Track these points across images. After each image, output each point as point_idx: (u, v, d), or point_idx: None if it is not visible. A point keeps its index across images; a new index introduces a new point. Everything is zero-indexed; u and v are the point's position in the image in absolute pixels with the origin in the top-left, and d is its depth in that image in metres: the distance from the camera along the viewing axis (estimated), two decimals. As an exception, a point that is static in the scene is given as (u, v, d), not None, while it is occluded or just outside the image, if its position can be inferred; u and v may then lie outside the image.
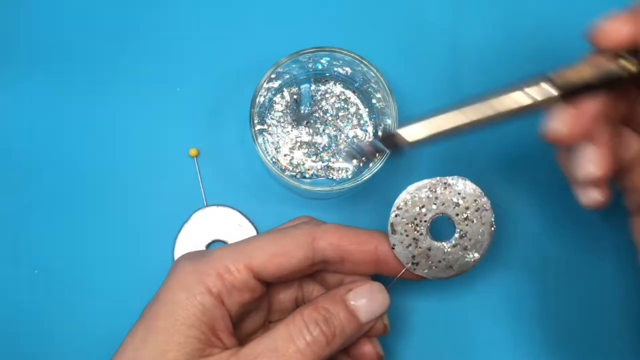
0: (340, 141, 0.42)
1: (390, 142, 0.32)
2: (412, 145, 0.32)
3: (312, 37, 0.43)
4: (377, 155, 0.36)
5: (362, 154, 0.37)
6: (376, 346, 0.36)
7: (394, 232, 0.36)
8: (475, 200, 0.36)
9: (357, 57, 0.39)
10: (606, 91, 0.29)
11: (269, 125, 0.41)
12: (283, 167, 0.41)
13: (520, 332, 0.43)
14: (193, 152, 0.44)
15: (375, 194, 0.44)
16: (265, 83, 0.39)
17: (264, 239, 0.34)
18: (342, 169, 0.41)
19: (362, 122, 0.42)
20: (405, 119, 0.44)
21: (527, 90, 0.28)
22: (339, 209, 0.44)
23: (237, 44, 0.46)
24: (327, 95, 0.42)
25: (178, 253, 0.43)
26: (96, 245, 0.43)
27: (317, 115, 0.42)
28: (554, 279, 0.44)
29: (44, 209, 0.44)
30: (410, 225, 0.36)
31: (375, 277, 0.37)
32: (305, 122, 0.41)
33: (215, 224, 0.43)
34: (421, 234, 0.36)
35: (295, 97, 0.42)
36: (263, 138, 0.41)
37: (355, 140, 0.35)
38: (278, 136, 0.41)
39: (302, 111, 0.42)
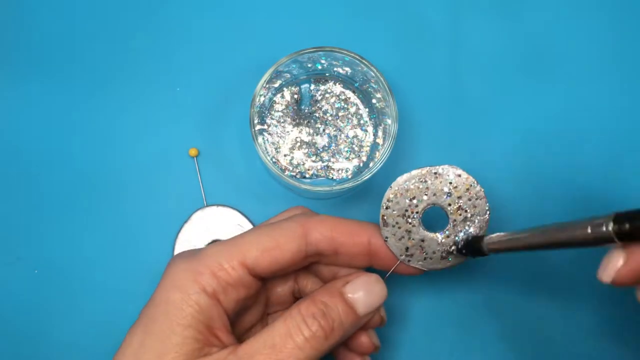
0: (340, 141, 0.42)
1: (473, 246, 0.34)
2: (493, 249, 0.33)
3: (312, 37, 0.43)
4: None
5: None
6: (373, 337, 0.36)
7: (385, 224, 0.35)
8: (468, 189, 0.35)
9: (357, 57, 0.39)
10: None
11: (269, 125, 0.41)
12: (283, 167, 0.41)
13: (517, 325, 0.43)
14: (193, 152, 0.44)
15: (375, 194, 0.44)
16: (265, 83, 0.39)
17: (256, 233, 0.34)
18: (342, 169, 0.41)
19: (362, 122, 0.42)
20: (405, 119, 0.44)
21: (593, 226, 0.27)
22: (339, 209, 0.44)
23: (237, 44, 0.46)
24: (327, 95, 0.42)
25: (178, 253, 0.43)
26: (96, 245, 0.43)
27: (317, 115, 0.42)
28: (555, 271, 0.44)
29: (44, 209, 0.44)
30: (401, 217, 0.35)
31: (369, 270, 0.36)
32: (305, 121, 0.41)
33: (215, 224, 0.43)
34: (413, 226, 0.35)
35: (295, 96, 0.41)
36: (263, 138, 0.41)
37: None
38: (278, 136, 0.41)
39: (303, 110, 0.42)
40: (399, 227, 0.35)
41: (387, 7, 0.46)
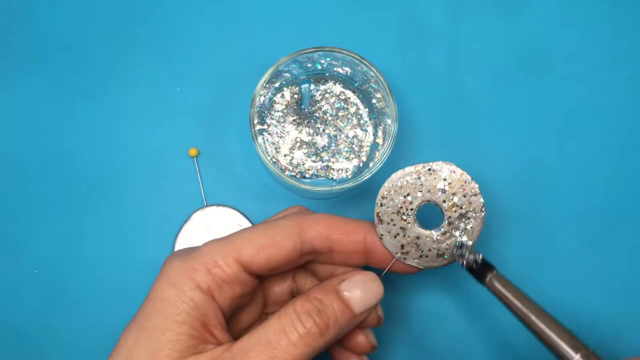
0: (340, 141, 0.42)
1: (480, 269, 0.34)
2: (490, 287, 0.34)
3: (312, 37, 0.43)
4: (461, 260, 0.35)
5: (467, 253, 0.36)
6: (370, 336, 0.36)
7: (380, 221, 0.35)
8: (463, 186, 0.35)
9: (357, 57, 0.39)
10: None
11: (269, 125, 0.41)
12: (283, 167, 0.41)
13: (516, 324, 0.43)
14: (193, 152, 0.44)
15: (375, 194, 0.43)
16: (265, 83, 0.39)
17: (252, 231, 0.34)
18: (342, 169, 0.41)
19: (362, 122, 0.42)
20: (405, 119, 0.44)
21: (584, 356, 0.31)
22: (339, 209, 0.44)
23: (237, 44, 0.46)
24: (327, 95, 0.42)
25: (178, 253, 0.43)
26: (96, 245, 0.43)
27: (317, 115, 0.42)
28: (553, 269, 0.44)
29: (44, 209, 0.44)
30: (396, 215, 0.35)
31: (368, 270, 0.36)
32: (305, 121, 0.41)
33: (215, 224, 0.43)
34: (408, 223, 0.35)
35: (296, 96, 0.41)
36: (263, 138, 0.41)
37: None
38: (278, 136, 0.41)
39: (304, 110, 0.42)
40: (394, 225, 0.35)
41: (387, 7, 0.46)
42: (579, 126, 0.45)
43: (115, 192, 0.44)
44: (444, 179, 0.35)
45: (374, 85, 0.41)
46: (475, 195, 0.35)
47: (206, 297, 0.32)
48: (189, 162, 0.44)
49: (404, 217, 0.35)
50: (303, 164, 0.41)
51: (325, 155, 0.41)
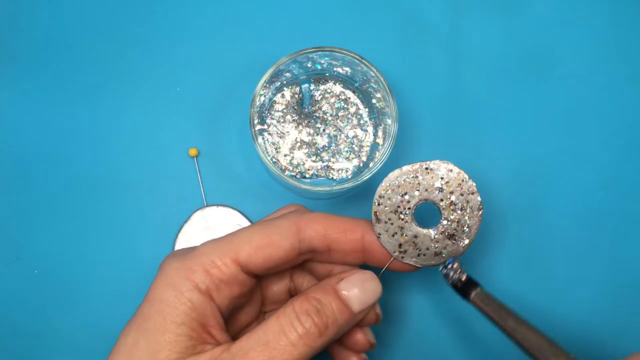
0: (340, 141, 0.42)
1: (464, 287, 0.35)
2: (475, 305, 0.35)
3: (312, 37, 0.43)
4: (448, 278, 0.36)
5: (450, 272, 0.36)
6: (368, 335, 0.36)
7: (378, 220, 0.35)
8: (460, 185, 0.35)
9: (357, 57, 0.39)
10: None
11: (269, 125, 0.41)
12: (283, 167, 0.41)
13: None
14: (193, 152, 0.44)
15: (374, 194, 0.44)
16: (265, 83, 0.39)
17: (249, 230, 0.34)
18: (342, 169, 0.41)
19: (362, 122, 0.42)
20: (405, 119, 0.44)
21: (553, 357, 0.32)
22: (338, 209, 0.44)
23: (237, 44, 0.46)
24: (327, 95, 0.42)
25: (178, 253, 0.43)
26: (96, 245, 0.43)
27: (317, 115, 0.42)
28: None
29: (44, 209, 0.44)
30: (394, 213, 0.35)
31: (365, 269, 0.36)
32: (305, 121, 0.41)
33: (215, 224, 0.43)
34: (406, 222, 0.35)
35: (297, 96, 0.41)
36: (263, 138, 0.41)
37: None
38: (278, 136, 0.41)
39: (305, 110, 0.42)
40: (392, 223, 0.35)
41: (387, 7, 0.46)
42: (579, 126, 0.45)
43: (115, 192, 0.44)
44: (442, 178, 0.35)
45: (374, 85, 0.41)
46: (472, 193, 0.35)
47: (204, 297, 0.32)
48: (189, 162, 0.44)
49: (402, 216, 0.35)
50: (303, 164, 0.41)
51: (325, 155, 0.41)
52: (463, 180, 0.35)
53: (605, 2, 0.47)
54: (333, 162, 0.41)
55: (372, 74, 0.39)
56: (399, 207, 0.35)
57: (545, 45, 0.46)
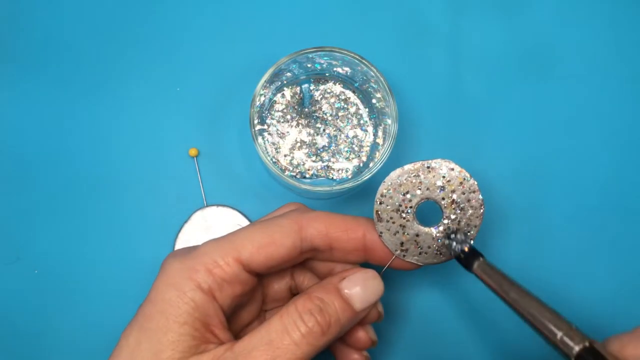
0: (340, 141, 0.42)
1: (468, 258, 0.34)
2: (478, 275, 0.34)
3: (312, 37, 0.43)
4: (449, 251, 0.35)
5: (453, 242, 0.35)
6: (369, 332, 0.36)
7: (379, 219, 0.35)
8: (461, 183, 0.35)
9: (357, 57, 0.39)
10: None
11: (269, 125, 0.41)
12: (283, 167, 0.41)
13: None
14: (193, 152, 0.44)
15: (375, 194, 0.44)
16: (265, 83, 0.39)
17: (251, 229, 0.34)
18: (342, 169, 0.41)
19: (362, 122, 0.42)
20: (405, 119, 0.44)
21: (562, 338, 0.31)
22: (339, 209, 0.44)
23: (237, 44, 0.46)
24: (327, 95, 0.42)
25: (178, 253, 0.43)
26: (96, 245, 0.43)
27: (317, 115, 0.42)
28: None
29: (44, 209, 0.44)
30: (395, 212, 0.35)
31: (365, 266, 0.36)
32: (306, 121, 0.41)
33: (215, 224, 0.43)
34: (408, 221, 0.35)
35: (297, 96, 0.41)
36: (263, 138, 0.41)
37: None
38: (278, 136, 0.41)
39: (305, 110, 0.42)
40: (393, 222, 0.35)
41: (387, 7, 0.46)
42: (579, 126, 0.45)
43: (116, 192, 0.44)
44: (443, 177, 0.35)
45: (374, 85, 0.41)
46: (474, 192, 0.35)
47: (207, 297, 0.32)
48: (189, 162, 0.44)
49: (403, 215, 0.35)
50: (303, 164, 0.41)
51: (325, 155, 0.41)
52: (464, 179, 0.35)
53: (605, 2, 0.47)
54: (333, 162, 0.41)
55: (372, 74, 0.39)
56: (400, 205, 0.35)
57: (545, 45, 0.46)
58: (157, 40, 0.45)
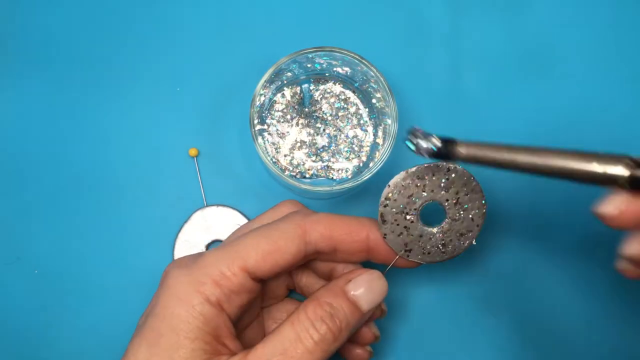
0: (340, 141, 0.42)
1: (446, 147, 0.31)
2: (465, 158, 0.31)
3: (312, 37, 0.43)
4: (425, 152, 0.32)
5: (419, 141, 0.32)
6: (373, 328, 0.37)
7: (384, 222, 0.35)
8: (465, 184, 0.35)
9: (357, 57, 0.39)
10: None
11: (269, 125, 0.41)
12: (283, 167, 0.41)
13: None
14: (193, 152, 0.44)
15: (376, 194, 0.43)
16: (265, 83, 0.39)
17: (255, 237, 0.34)
18: (342, 169, 0.41)
19: (362, 122, 0.42)
20: (405, 119, 0.44)
21: (600, 161, 0.26)
22: (339, 209, 0.44)
23: (237, 44, 0.46)
24: (327, 95, 0.42)
25: (178, 253, 0.43)
26: (96, 245, 0.43)
27: (317, 115, 0.42)
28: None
29: (44, 209, 0.44)
30: (400, 214, 0.35)
31: (367, 265, 0.37)
32: (306, 121, 0.41)
33: (215, 224, 0.43)
34: (412, 222, 0.35)
35: (297, 96, 0.41)
36: (263, 138, 0.41)
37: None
38: (278, 136, 0.41)
39: (305, 110, 0.42)
40: (398, 224, 0.35)
41: (387, 7, 0.46)
42: (579, 125, 0.45)
43: (115, 192, 0.44)
44: (447, 179, 0.35)
45: (374, 85, 0.41)
46: (476, 193, 0.35)
47: (216, 310, 0.31)
48: (189, 162, 0.44)
49: (408, 217, 0.35)
50: (303, 164, 0.41)
51: (325, 155, 0.41)
52: (468, 180, 0.35)
53: (605, 2, 0.47)
54: (333, 162, 0.41)
55: (372, 74, 0.39)
56: (405, 208, 0.35)
57: (545, 45, 0.46)
58: (157, 40, 0.45)
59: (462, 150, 0.30)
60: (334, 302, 0.33)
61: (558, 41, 0.46)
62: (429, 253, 0.36)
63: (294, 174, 0.41)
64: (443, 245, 0.36)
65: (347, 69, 0.41)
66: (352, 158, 0.41)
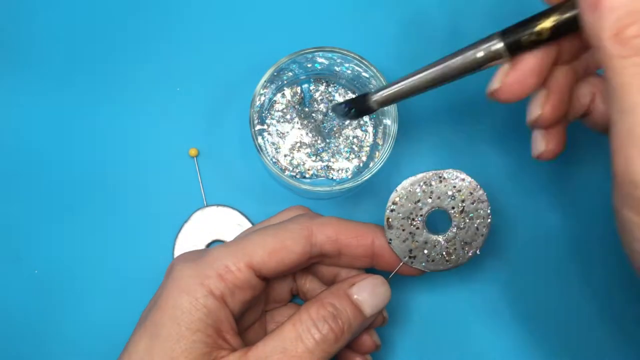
0: (340, 141, 0.42)
1: (362, 101, 0.35)
2: (380, 103, 0.34)
3: (312, 37, 0.43)
4: (347, 114, 0.36)
5: (339, 112, 0.36)
6: (374, 336, 0.37)
7: (390, 227, 0.36)
8: (471, 193, 0.36)
9: (357, 57, 0.39)
10: (556, 41, 0.30)
11: (268, 125, 0.41)
12: (283, 167, 0.41)
13: (517, 325, 0.43)
14: (193, 152, 0.44)
15: (375, 194, 0.44)
16: (265, 83, 0.39)
17: (262, 235, 0.34)
18: (342, 169, 0.41)
19: (362, 122, 0.42)
20: (405, 119, 0.44)
21: (480, 46, 0.30)
22: (339, 209, 0.44)
23: (237, 44, 0.46)
24: (327, 95, 0.42)
25: (178, 253, 0.43)
26: (96, 245, 0.43)
27: (317, 115, 0.42)
28: (555, 272, 0.44)
29: (44, 209, 0.44)
30: (406, 220, 0.36)
31: (370, 272, 0.37)
32: (306, 121, 0.41)
33: (215, 224, 0.43)
34: (417, 228, 0.36)
35: (297, 96, 0.42)
36: (263, 138, 0.41)
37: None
38: (278, 136, 0.41)
39: (305, 110, 0.42)
40: (403, 230, 0.36)
41: (387, 7, 0.46)
42: (580, 126, 0.45)
43: (115, 192, 0.44)
44: (454, 187, 0.36)
45: (374, 85, 0.41)
46: (482, 202, 0.36)
47: (219, 303, 0.32)
48: (189, 162, 0.44)
49: (414, 223, 0.36)
50: (303, 164, 0.41)
51: (325, 155, 0.41)
52: (474, 190, 0.35)
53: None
54: (333, 162, 0.41)
55: (372, 73, 0.39)
56: (411, 213, 0.36)
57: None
58: (157, 40, 0.45)
59: (376, 98, 0.34)
60: (337, 303, 0.33)
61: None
62: (433, 261, 0.36)
63: (294, 174, 0.41)
64: (447, 253, 0.36)
65: (347, 69, 0.41)
66: (352, 158, 0.41)
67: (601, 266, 0.44)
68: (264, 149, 0.41)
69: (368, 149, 0.41)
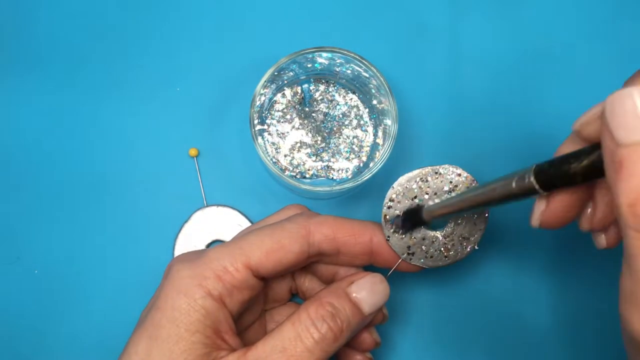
0: (340, 141, 0.42)
1: (414, 215, 0.35)
2: (431, 218, 0.35)
3: (312, 37, 0.43)
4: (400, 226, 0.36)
5: (397, 225, 0.36)
6: (374, 334, 0.37)
7: (387, 223, 0.35)
8: (468, 188, 0.35)
9: (357, 57, 0.39)
10: (586, 182, 0.28)
11: (269, 125, 0.41)
12: (283, 167, 0.41)
13: (516, 322, 0.43)
14: (193, 152, 0.44)
15: (376, 194, 0.44)
16: (265, 83, 0.39)
17: (259, 235, 0.34)
18: (342, 169, 0.41)
19: (362, 122, 0.42)
20: (405, 119, 0.44)
21: (516, 182, 0.29)
22: (339, 209, 0.44)
23: (237, 44, 0.46)
24: (327, 95, 0.42)
25: (178, 253, 0.43)
26: (96, 245, 0.43)
27: (317, 115, 0.42)
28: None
29: (44, 209, 0.44)
30: None
31: (369, 269, 0.37)
32: (306, 121, 0.41)
33: (215, 224, 0.43)
34: None
35: (298, 96, 0.42)
36: (263, 138, 0.41)
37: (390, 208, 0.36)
38: (278, 136, 0.41)
39: (306, 109, 0.42)
40: None
41: (387, 7, 0.46)
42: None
43: (115, 192, 0.44)
44: (450, 182, 0.35)
45: (374, 85, 0.41)
46: None
47: (217, 304, 0.32)
48: (189, 162, 0.44)
49: None
50: (303, 164, 0.41)
51: (325, 155, 0.41)
52: (471, 184, 0.35)
53: (606, 1, 0.47)
54: (333, 162, 0.41)
55: (372, 73, 0.39)
56: None
57: (545, 45, 0.46)
58: (157, 40, 0.46)
59: (429, 215, 0.35)
60: (336, 302, 0.33)
61: (557, 41, 0.46)
62: (431, 257, 0.36)
63: (294, 174, 0.41)
64: (446, 249, 0.36)
65: (347, 69, 0.41)
66: (352, 158, 0.41)
67: (600, 260, 0.44)
68: (264, 149, 0.41)
69: (368, 149, 0.41)
